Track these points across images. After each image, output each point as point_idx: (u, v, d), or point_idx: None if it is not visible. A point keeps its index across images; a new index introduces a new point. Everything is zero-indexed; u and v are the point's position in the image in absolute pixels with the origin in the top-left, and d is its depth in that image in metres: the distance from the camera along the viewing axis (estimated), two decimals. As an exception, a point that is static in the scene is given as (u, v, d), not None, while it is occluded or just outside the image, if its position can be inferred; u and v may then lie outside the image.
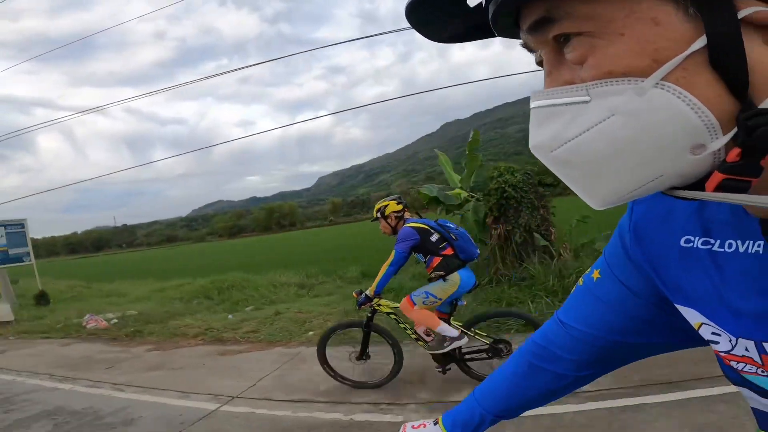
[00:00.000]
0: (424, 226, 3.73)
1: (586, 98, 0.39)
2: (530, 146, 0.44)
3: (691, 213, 0.53)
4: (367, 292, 3.80)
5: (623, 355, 0.72)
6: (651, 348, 0.69)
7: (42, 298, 11.77)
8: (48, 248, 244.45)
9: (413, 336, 3.93)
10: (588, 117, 0.39)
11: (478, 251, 3.81)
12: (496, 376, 0.83)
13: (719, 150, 0.37)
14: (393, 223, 3.88)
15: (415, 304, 3.68)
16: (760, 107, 0.35)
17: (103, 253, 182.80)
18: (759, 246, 0.46)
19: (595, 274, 0.70)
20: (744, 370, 0.51)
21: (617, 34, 0.37)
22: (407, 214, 3.94)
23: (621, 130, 0.38)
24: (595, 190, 0.42)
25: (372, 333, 3.96)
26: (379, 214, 3.93)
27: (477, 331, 3.80)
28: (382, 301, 3.89)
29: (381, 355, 4.13)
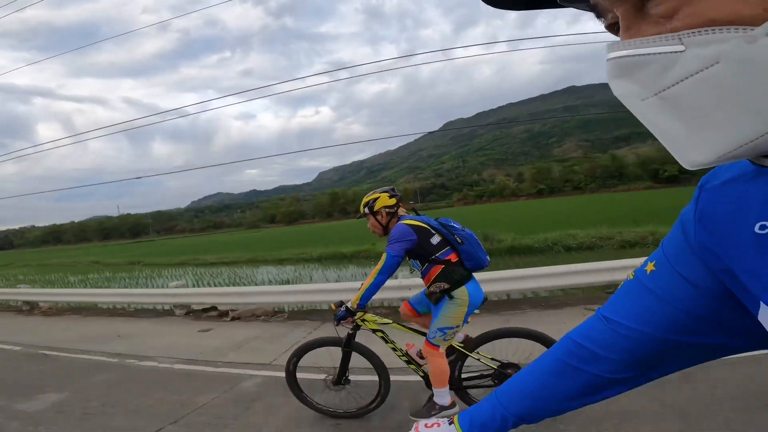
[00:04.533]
0: (423, 225, 3.00)
1: (680, 47, 0.37)
2: (616, 94, 0.43)
3: (766, 196, 0.48)
4: (349, 304, 3.04)
5: (673, 357, 0.64)
6: (707, 350, 0.61)
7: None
8: (77, 234, 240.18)
9: (404, 358, 3.22)
10: (685, 65, 0.37)
11: (489, 258, 3.07)
12: (524, 374, 0.76)
13: None
14: (384, 221, 3.15)
15: (437, 346, 3.00)
16: None
17: (160, 238, 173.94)
18: None
19: (650, 267, 0.64)
20: None
21: None
22: (401, 210, 3.21)
23: (729, 78, 0.36)
24: (692, 145, 0.40)
25: (353, 353, 3.24)
26: (367, 210, 3.19)
27: (481, 353, 3.14)
28: (367, 316, 3.15)
29: (363, 379, 3.42)
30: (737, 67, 0.35)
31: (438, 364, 3.00)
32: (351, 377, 3.35)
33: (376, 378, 3.23)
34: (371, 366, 3.22)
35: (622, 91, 0.42)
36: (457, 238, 2.95)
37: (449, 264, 2.93)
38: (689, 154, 0.40)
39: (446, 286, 2.89)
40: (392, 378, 3.25)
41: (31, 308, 10.57)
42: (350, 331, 3.17)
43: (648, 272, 0.64)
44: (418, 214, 3.18)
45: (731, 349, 0.60)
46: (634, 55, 0.39)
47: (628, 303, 0.66)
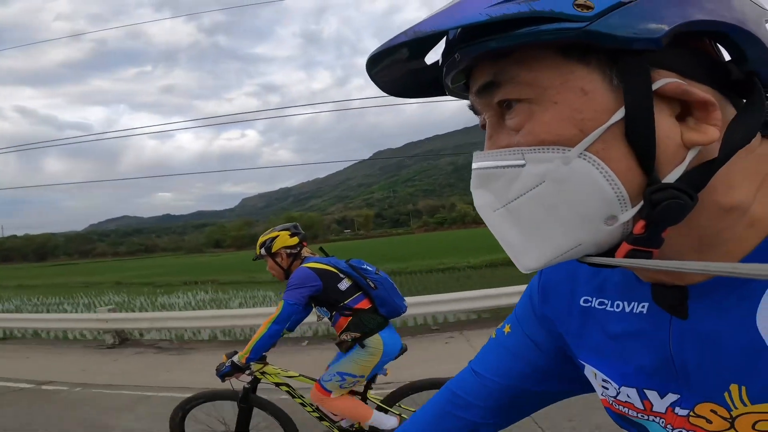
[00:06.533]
0: (330, 268, 2.69)
1: (522, 162, 0.40)
2: (475, 206, 0.46)
3: (589, 275, 0.59)
4: (235, 358, 2.60)
5: (528, 402, 0.74)
6: (553, 395, 0.73)
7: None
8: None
9: (315, 414, 2.84)
10: (523, 182, 0.40)
11: (406, 304, 2.81)
12: (414, 419, 0.83)
13: (628, 222, 0.38)
14: (285, 263, 2.77)
15: (330, 392, 2.65)
16: (663, 181, 0.37)
17: (85, 261, 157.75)
18: (643, 307, 0.50)
19: (507, 329, 0.74)
20: (629, 414, 0.55)
21: (552, 102, 0.38)
22: (306, 251, 2.86)
23: (549, 197, 0.39)
24: (524, 254, 0.43)
25: (254, 408, 2.81)
26: (263, 251, 2.79)
27: (403, 406, 2.87)
28: (268, 368, 2.76)
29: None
30: (557, 186, 0.38)
31: (343, 407, 2.69)
32: None
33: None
34: (277, 422, 2.81)
35: (482, 201, 0.44)
36: (370, 283, 2.67)
37: (361, 312, 2.64)
38: (522, 260, 0.43)
39: (358, 335, 2.60)
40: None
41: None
42: (246, 385, 2.76)
43: (506, 333, 0.73)
44: (326, 255, 2.88)
45: (570, 393, 0.71)
46: (489, 167, 0.42)
47: (490, 358, 0.74)
